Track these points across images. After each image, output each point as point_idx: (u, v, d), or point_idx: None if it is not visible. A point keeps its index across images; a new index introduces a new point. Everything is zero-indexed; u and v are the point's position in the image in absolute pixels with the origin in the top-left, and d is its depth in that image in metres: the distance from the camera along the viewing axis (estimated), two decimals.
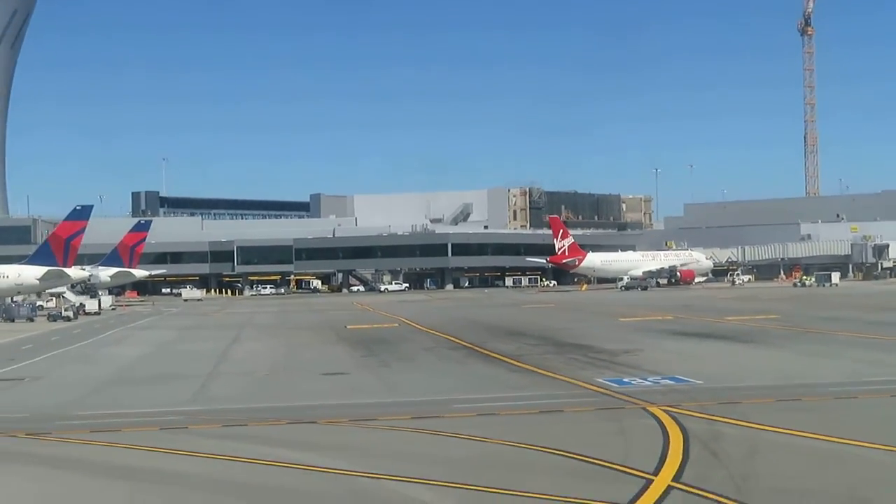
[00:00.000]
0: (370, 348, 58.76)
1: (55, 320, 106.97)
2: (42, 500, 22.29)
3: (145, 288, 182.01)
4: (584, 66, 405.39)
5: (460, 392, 37.42)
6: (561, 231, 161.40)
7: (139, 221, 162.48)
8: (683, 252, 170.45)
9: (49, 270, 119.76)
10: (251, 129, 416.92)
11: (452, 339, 63.67)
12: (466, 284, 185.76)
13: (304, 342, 66.29)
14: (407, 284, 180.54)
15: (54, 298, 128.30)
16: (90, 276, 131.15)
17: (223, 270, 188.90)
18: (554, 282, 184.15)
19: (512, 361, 47.68)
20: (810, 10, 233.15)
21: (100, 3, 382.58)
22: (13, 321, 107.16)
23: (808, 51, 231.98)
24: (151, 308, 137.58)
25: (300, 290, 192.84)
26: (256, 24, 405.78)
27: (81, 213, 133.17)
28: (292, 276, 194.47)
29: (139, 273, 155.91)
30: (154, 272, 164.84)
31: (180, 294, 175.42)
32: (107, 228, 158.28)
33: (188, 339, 74.76)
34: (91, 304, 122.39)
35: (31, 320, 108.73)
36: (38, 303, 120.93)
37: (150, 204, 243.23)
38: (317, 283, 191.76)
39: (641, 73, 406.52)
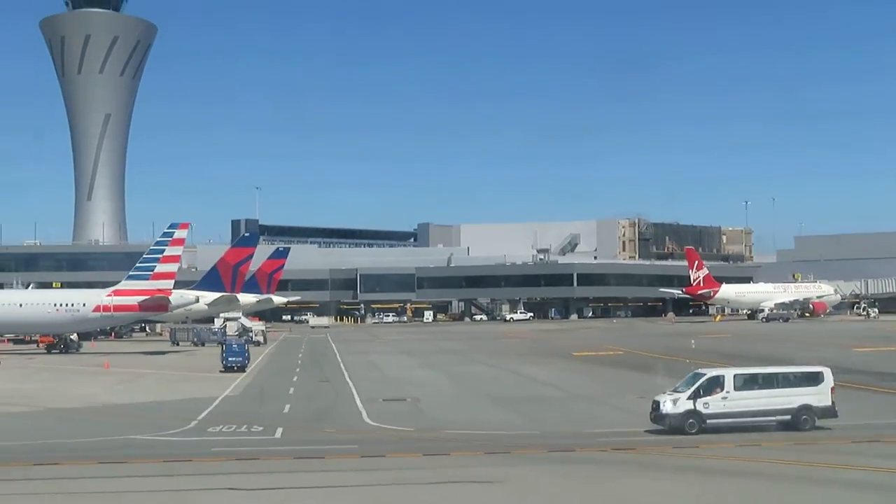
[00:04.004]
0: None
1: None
2: None
3: (263, 315, 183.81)
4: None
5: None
6: (696, 262, 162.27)
7: (277, 249, 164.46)
8: (812, 285, 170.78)
9: (221, 296, 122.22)
10: (341, 159, 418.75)
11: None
12: (590, 315, 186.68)
13: (581, 368, 67.82)
14: (532, 314, 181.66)
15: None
16: (259, 300, 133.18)
17: (343, 298, 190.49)
18: (671, 313, 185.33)
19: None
20: None
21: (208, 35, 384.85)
22: (203, 345, 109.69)
23: None
24: (290, 334, 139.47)
25: (416, 319, 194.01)
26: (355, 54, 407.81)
27: (249, 241, 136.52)
28: (409, 305, 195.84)
29: (277, 300, 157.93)
30: (290, 299, 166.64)
31: (305, 321, 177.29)
32: (211, 256, 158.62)
33: (457, 363, 76.99)
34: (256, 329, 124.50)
35: (221, 344, 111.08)
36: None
37: (250, 231, 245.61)
38: (429, 313, 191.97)
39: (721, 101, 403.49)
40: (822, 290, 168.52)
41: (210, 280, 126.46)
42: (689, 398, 36.79)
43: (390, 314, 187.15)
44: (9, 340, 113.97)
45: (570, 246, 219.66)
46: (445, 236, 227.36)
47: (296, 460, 32.34)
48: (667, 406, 37.00)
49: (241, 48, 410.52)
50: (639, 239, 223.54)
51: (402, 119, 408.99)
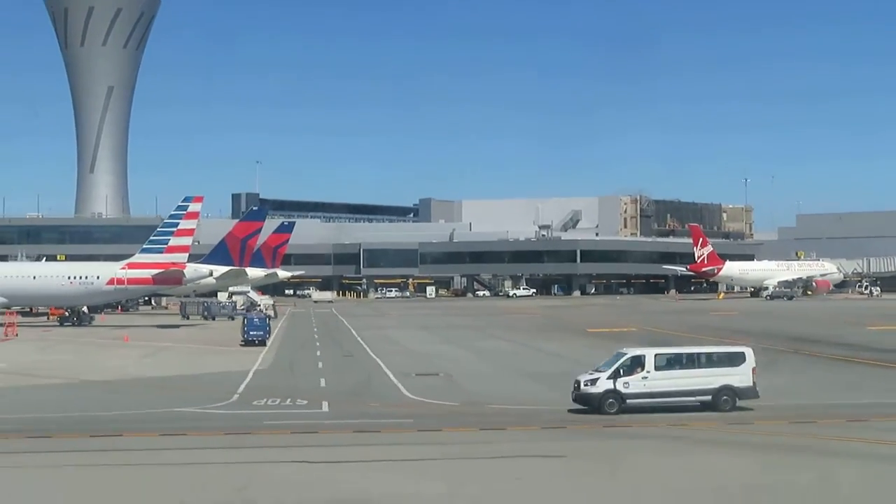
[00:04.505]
0: None
1: None
2: None
3: (265, 289, 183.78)
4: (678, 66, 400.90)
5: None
6: (701, 240, 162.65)
7: (282, 223, 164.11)
8: (815, 263, 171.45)
9: (230, 270, 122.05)
10: (340, 133, 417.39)
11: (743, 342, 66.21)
12: (592, 291, 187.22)
13: (600, 344, 68.20)
14: (534, 290, 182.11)
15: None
16: (266, 274, 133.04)
17: (346, 273, 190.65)
18: (673, 290, 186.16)
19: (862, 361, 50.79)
20: None
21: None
22: (214, 319, 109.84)
23: None
24: (294, 308, 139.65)
25: (419, 294, 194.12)
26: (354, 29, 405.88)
27: (257, 215, 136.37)
28: (411, 280, 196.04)
29: (282, 274, 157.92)
30: (294, 273, 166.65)
31: (307, 296, 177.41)
32: (213, 230, 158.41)
33: (476, 338, 77.52)
34: (263, 304, 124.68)
35: (232, 319, 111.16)
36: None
37: (250, 205, 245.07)
38: (431, 288, 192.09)
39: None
40: (824, 269, 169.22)
41: (218, 253, 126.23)
42: (609, 377, 36.59)
43: (393, 289, 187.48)
44: (16, 312, 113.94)
45: (572, 222, 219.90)
46: (447, 212, 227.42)
47: (356, 434, 32.63)
48: (587, 385, 36.90)
49: (244, 22, 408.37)
50: (640, 216, 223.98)
51: (401, 94, 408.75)
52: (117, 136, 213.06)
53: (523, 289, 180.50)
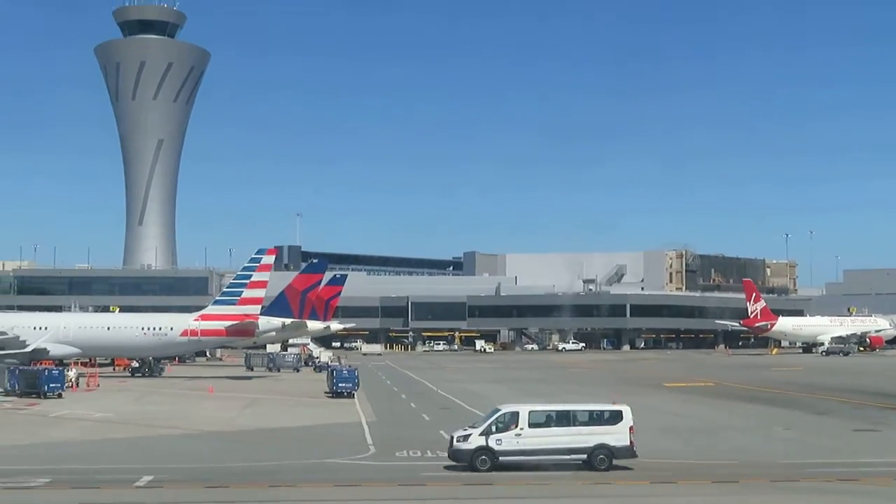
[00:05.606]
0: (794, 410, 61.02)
1: (320, 371, 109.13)
2: None
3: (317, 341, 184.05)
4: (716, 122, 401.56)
5: None
6: (754, 294, 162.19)
7: (335, 276, 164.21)
8: (868, 319, 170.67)
9: (292, 322, 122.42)
10: (374, 187, 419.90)
11: (837, 399, 66.09)
12: (642, 346, 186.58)
13: (689, 398, 67.92)
14: (584, 344, 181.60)
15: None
16: (326, 327, 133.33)
17: (393, 325, 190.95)
18: (722, 345, 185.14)
19: None
20: None
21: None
22: (279, 371, 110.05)
23: None
24: (348, 361, 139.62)
25: (466, 348, 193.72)
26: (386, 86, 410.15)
27: (317, 267, 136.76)
28: (457, 333, 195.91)
29: (335, 326, 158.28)
30: (346, 325, 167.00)
31: (355, 348, 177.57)
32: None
33: (556, 392, 77.10)
34: (324, 357, 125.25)
35: (297, 371, 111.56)
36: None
37: (293, 258, 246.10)
38: (481, 342, 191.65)
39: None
40: (878, 324, 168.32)
41: (278, 305, 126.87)
42: (481, 434, 35.86)
43: (441, 342, 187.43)
44: (78, 363, 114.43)
45: (617, 276, 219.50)
46: (491, 265, 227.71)
47: (529, 486, 32.55)
48: (459, 441, 36.18)
49: (286, 77, 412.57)
50: (685, 270, 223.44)
51: (429, 149, 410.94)
52: (166, 189, 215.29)
53: (572, 343, 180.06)
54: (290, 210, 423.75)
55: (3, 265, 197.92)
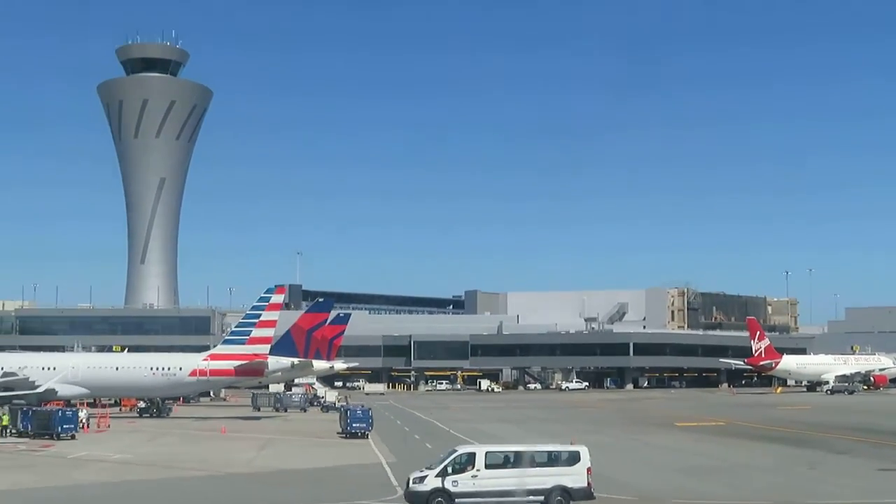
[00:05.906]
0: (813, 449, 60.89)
1: (327, 411, 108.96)
2: None
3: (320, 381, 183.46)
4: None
5: None
6: (758, 333, 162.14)
7: (338, 315, 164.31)
8: (871, 357, 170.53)
9: (300, 361, 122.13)
10: (373, 223, 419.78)
11: (852, 439, 65.90)
12: (646, 385, 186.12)
13: (704, 437, 67.66)
14: (587, 383, 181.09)
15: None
16: (331, 367, 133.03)
17: (396, 364, 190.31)
18: (726, 384, 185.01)
19: None
20: None
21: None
22: (286, 411, 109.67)
23: None
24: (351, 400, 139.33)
25: (469, 387, 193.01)
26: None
27: (323, 307, 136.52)
28: (460, 373, 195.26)
29: (338, 366, 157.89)
30: (350, 365, 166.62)
31: (357, 387, 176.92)
32: None
33: (568, 432, 76.67)
34: (330, 396, 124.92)
35: (304, 411, 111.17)
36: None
37: (293, 297, 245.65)
38: (485, 381, 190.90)
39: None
40: (881, 363, 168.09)
41: (283, 345, 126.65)
42: (437, 475, 35.49)
43: (444, 381, 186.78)
44: (84, 403, 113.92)
45: (619, 315, 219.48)
46: (492, 304, 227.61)
47: None
48: (415, 483, 35.75)
49: (287, 116, 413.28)
50: (687, 308, 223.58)
51: (438, 185, 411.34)
52: (168, 227, 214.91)
53: (576, 382, 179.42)
54: (291, 248, 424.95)
55: (4, 305, 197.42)
